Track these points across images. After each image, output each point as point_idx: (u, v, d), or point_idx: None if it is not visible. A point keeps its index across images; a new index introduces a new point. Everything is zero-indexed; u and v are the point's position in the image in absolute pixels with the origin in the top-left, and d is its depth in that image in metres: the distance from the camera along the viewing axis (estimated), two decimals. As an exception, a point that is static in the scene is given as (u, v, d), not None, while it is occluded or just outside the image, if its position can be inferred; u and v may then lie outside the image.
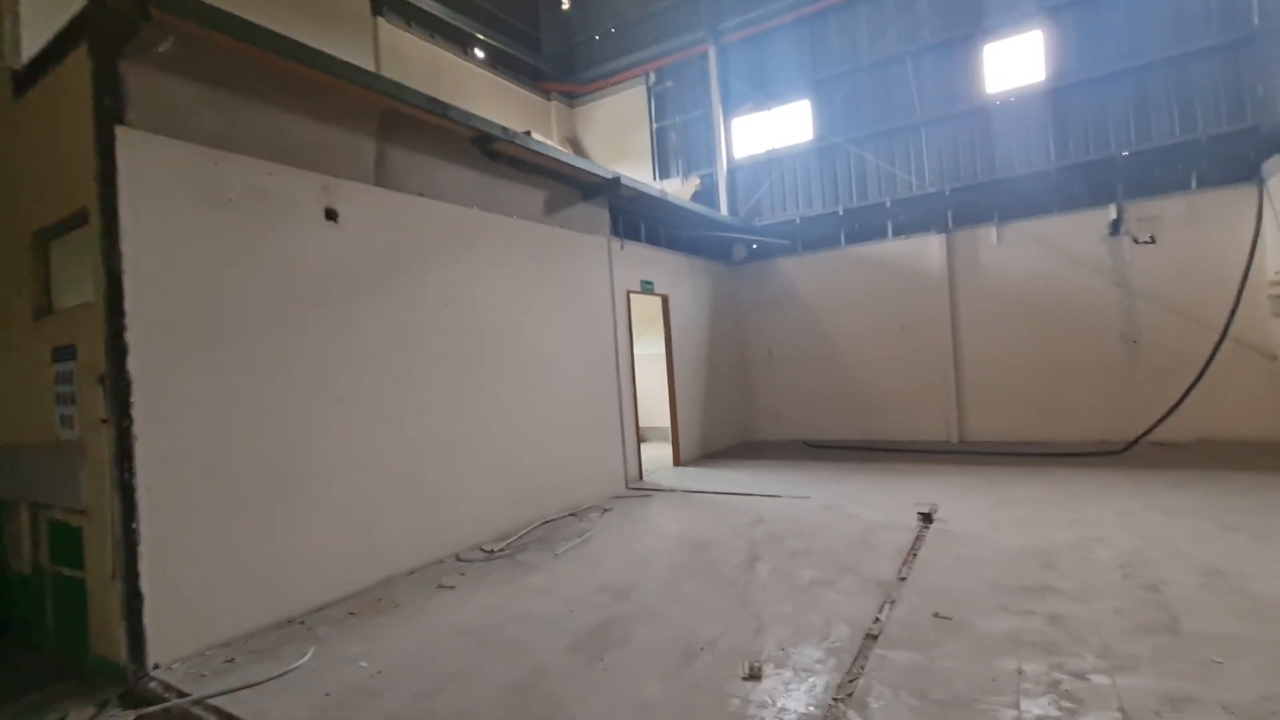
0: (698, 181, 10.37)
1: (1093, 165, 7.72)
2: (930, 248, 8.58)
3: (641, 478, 7.38)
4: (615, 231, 7.26)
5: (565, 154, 6.45)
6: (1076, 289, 7.77)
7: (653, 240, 8.14)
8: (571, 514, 5.93)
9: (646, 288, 7.83)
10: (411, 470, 4.66)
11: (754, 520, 5.36)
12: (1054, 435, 7.85)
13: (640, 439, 7.62)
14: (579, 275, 6.71)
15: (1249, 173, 6.89)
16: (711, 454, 8.92)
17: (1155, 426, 7.12)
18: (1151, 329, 7.44)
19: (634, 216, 7.76)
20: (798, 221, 9.45)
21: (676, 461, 8.26)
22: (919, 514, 5.02)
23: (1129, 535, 4.34)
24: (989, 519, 4.95)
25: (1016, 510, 5.14)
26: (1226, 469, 5.95)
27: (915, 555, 4.23)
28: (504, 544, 5.07)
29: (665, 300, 8.23)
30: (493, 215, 5.61)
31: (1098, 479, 5.98)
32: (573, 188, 6.62)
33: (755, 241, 9.82)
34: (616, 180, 6.69)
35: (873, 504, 5.64)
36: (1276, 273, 6.66)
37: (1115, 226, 7.48)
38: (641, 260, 7.77)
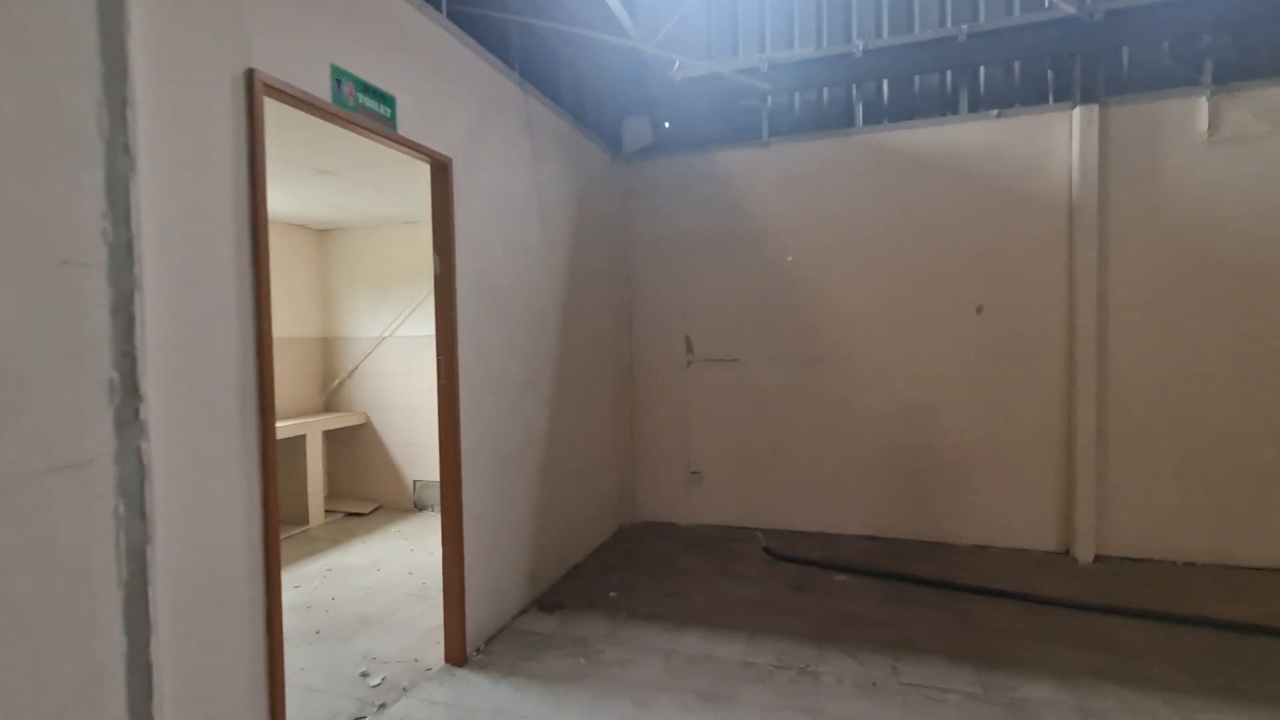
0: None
1: None
2: (1049, 139, 4.00)
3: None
4: None
5: None
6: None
7: (408, -14, 2.65)
8: None
9: (362, 102, 2.31)
10: None
11: None
12: (1298, 556, 3.65)
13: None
14: None
15: None
16: (556, 585, 3.67)
17: None
18: None
19: None
20: (763, 70, 4.44)
21: (455, 642, 2.87)
22: None
23: None
24: None
25: None
26: None
27: None
28: None
29: (442, 177, 2.78)
30: None
31: None
32: None
33: (671, 109, 4.69)
34: None
35: None
36: None
37: None
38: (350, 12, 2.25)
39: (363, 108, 2.29)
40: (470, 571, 2.91)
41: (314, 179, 3.89)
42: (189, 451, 1.68)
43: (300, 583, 3.89)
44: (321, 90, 2.11)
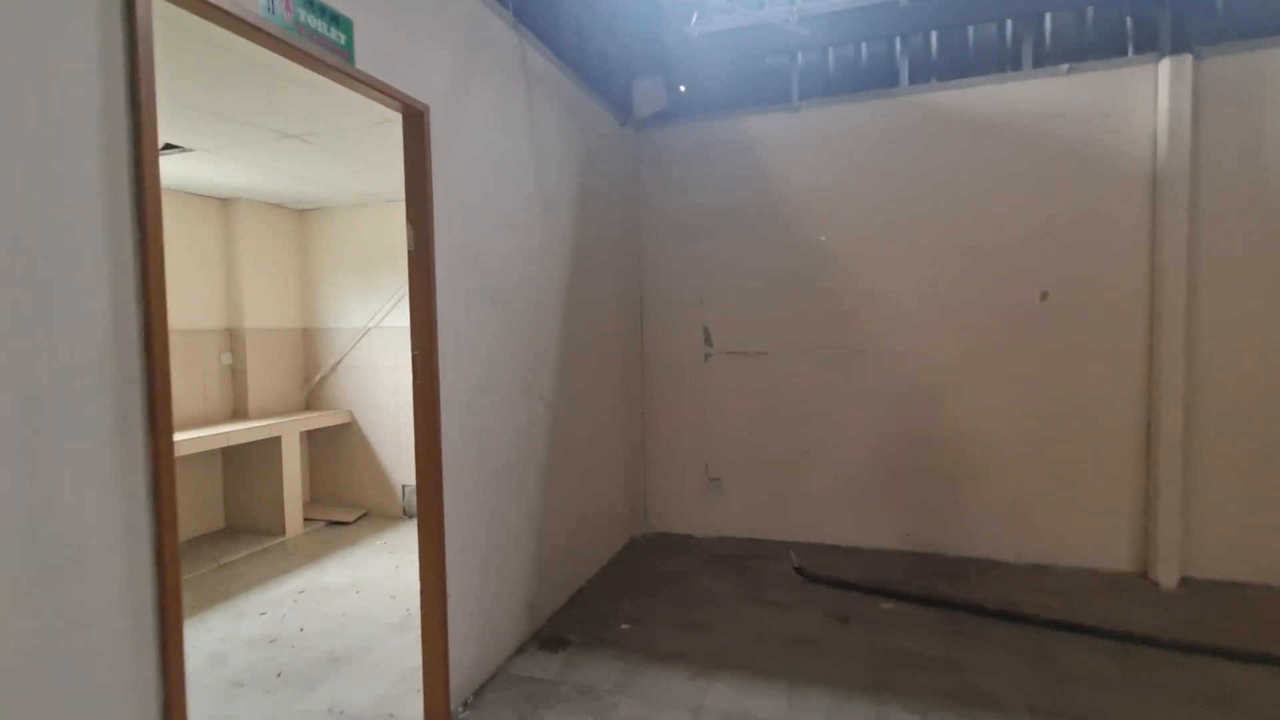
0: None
1: None
2: (1130, 97, 3.44)
3: None
4: None
5: None
6: None
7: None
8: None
9: (305, 20, 1.78)
10: None
11: None
12: None
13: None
14: None
15: None
16: (558, 615, 3.17)
17: None
18: None
19: None
20: (793, 23, 3.89)
21: (436, 696, 2.37)
22: None
23: None
24: None
25: None
26: None
27: None
28: None
29: (416, 128, 2.26)
30: None
31: None
32: None
33: (688, 68, 4.14)
34: None
35: None
36: None
37: None
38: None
39: (307, 29, 1.76)
40: (455, 606, 2.41)
41: (275, 145, 3.37)
42: (25, 487, 1.17)
43: (267, 608, 3.41)
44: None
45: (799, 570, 3.59)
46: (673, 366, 4.34)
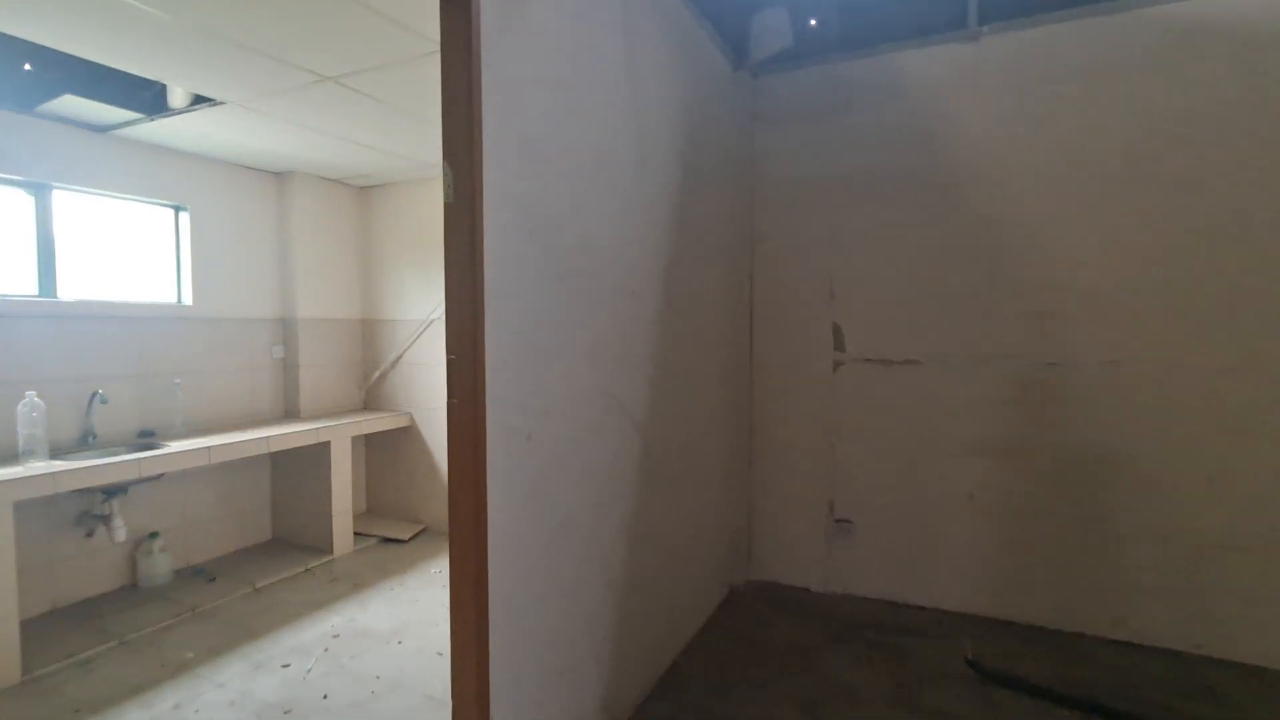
0: None
1: None
2: None
3: None
4: None
5: None
6: None
7: None
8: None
9: None
10: None
11: None
12: None
13: None
14: None
15: None
16: (643, 710, 2.36)
17: None
18: None
19: None
20: (977, -79, 2.90)
21: None
22: None
23: None
24: None
25: None
26: None
27: None
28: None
29: (458, 10, 1.49)
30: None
31: None
32: None
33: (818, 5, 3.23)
34: None
35: None
36: None
37: None
38: None
39: None
40: (501, 706, 1.66)
41: (308, 92, 2.75)
42: None
43: (293, 656, 2.81)
44: None
45: (973, 664, 2.61)
46: (790, 375, 3.44)
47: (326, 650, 2.86)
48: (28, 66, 2.70)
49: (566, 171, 1.86)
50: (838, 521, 3.34)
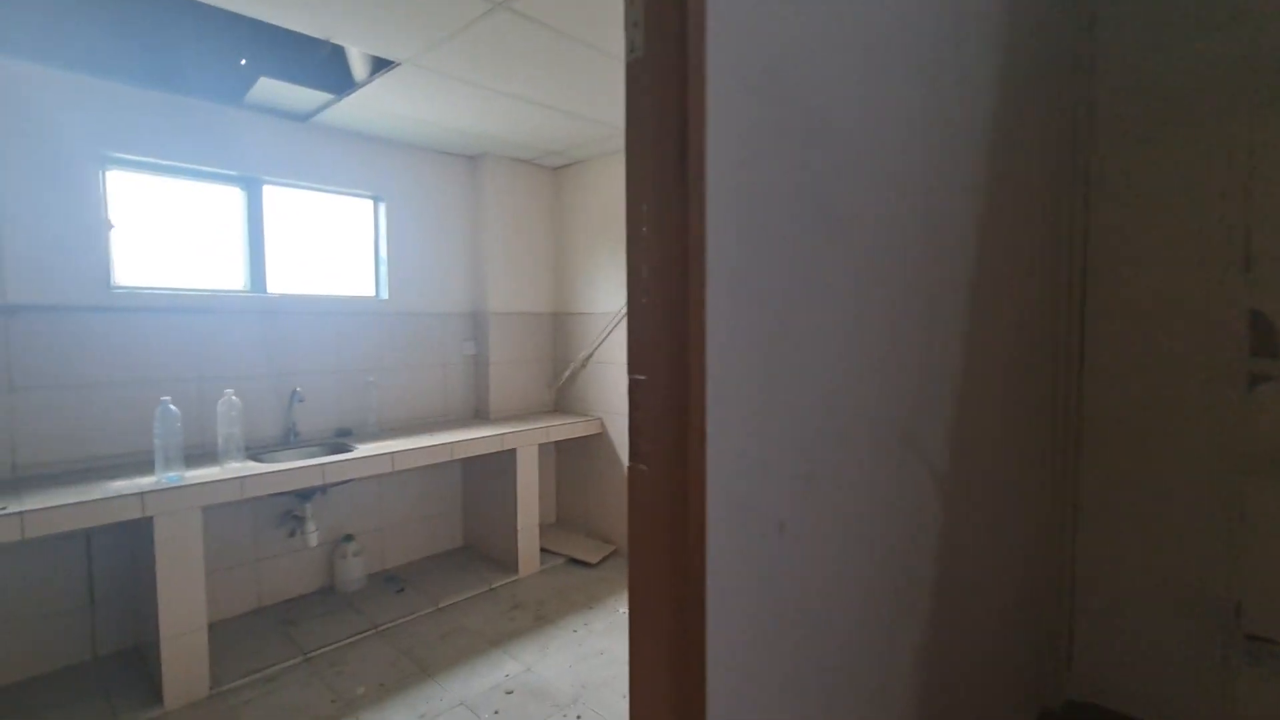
0: None
1: None
2: None
3: None
4: None
5: None
6: None
7: None
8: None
9: None
10: None
11: None
12: None
13: None
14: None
15: None
16: None
17: None
18: None
19: None
20: None
21: None
22: None
23: None
24: None
25: None
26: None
27: None
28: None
29: None
30: None
31: None
32: None
33: None
34: None
35: None
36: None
37: None
38: None
39: None
40: None
41: (479, 33, 2.22)
42: None
43: (460, 711, 2.36)
44: None
45: None
46: (1153, 394, 2.18)
47: (496, 714, 2.36)
48: (243, 61, 2.56)
49: (845, 41, 1.01)
50: (1248, 639, 2.03)
